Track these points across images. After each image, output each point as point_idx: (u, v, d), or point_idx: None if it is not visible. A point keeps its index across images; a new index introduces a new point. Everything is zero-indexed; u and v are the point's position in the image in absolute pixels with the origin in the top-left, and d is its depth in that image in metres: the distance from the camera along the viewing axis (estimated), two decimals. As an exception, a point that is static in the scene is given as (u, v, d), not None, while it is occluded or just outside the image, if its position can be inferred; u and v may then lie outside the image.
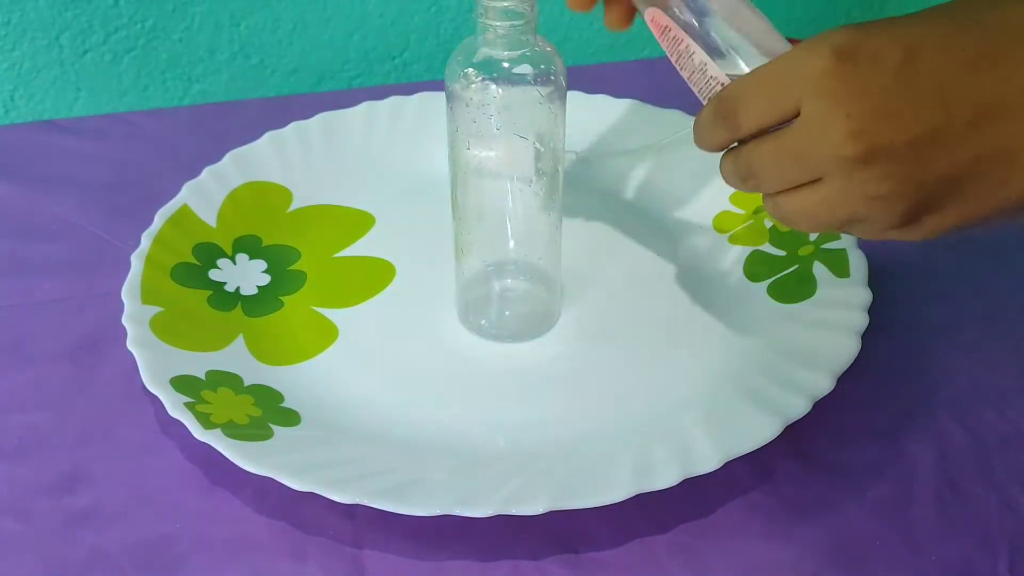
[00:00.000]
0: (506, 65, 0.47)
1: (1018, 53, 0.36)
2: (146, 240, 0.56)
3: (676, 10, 0.46)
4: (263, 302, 0.56)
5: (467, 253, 0.54)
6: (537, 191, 0.51)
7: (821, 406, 0.47)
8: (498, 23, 0.46)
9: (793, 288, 0.55)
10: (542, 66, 0.47)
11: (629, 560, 0.43)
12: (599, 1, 0.51)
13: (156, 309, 0.52)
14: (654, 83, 0.78)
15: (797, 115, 0.38)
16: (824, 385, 0.48)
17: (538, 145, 0.50)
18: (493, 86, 0.47)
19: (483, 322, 0.55)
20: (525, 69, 0.47)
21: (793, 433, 0.46)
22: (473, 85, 0.47)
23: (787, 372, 0.49)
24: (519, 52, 0.47)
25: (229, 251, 0.59)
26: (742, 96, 0.41)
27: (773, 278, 0.56)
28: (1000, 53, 0.36)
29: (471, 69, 0.47)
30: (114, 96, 0.80)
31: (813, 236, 0.57)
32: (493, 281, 0.55)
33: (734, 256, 0.59)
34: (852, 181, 0.37)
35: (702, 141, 0.45)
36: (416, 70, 0.85)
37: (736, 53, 0.45)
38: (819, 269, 0.55)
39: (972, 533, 0.44)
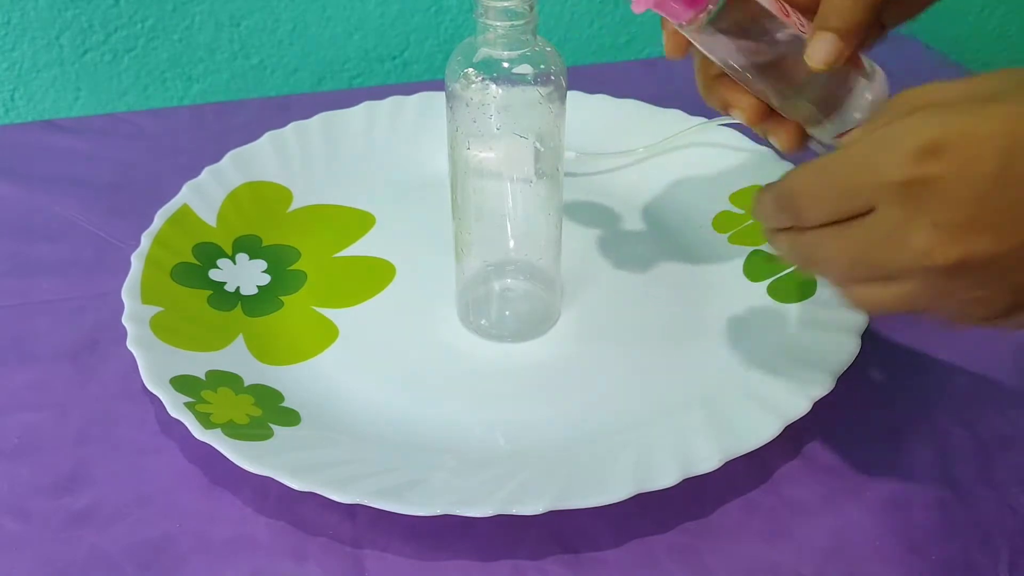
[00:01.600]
0: (506, 65, 0.47)
1: None
2: (146, 240, 0.56)
3: None
4: (263, 302, 0.56)
5: (467, 253, 0.54)
6: (537, 191, 0.51)
7: (821, 406, 0.47)
8: (498, 23, 0.46)
9: (793, 288, 0.55)
10: (542, 66, 0.47)
11: (629, 560, 0.43)
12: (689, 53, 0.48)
13: (156, 309, 0.52)
14: (654, 83, 0.78)
15: (870, 211, 0.35)
16: (824, 385, 0.48)
17: (538, 145, 0.50)
18: (493, 86, 0.47)
19: (483, 322, 0.55)
20: (525, 69, 0.47)
21: (793, 433, 0.46)
22: (473, 85, 0.47)
23: (787, 372, 0.49)
24: (519, 52, 0.47)
25: (229, 251, 0.59)
26: (807, 192, 0.37)
27: (773, 278, 0.56)
28: None
29: (471, 69, 0.47)
30: (114, 96, 0.80)
31: None
32: (493, 281, 0.55)
33: (734, 256, 0.59)
34: (939, 288, 0.35)
35: (760, 217, 0.41)
36: (416, 70, 0.85)
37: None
38: (819, 269, 0.55)
39: (972, 533, 0.44)
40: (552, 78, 0.48)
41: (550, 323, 0.55)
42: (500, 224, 0.53)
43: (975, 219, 0.33)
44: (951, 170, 0.33)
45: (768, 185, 0.40)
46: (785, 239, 0.39)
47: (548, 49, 0.48)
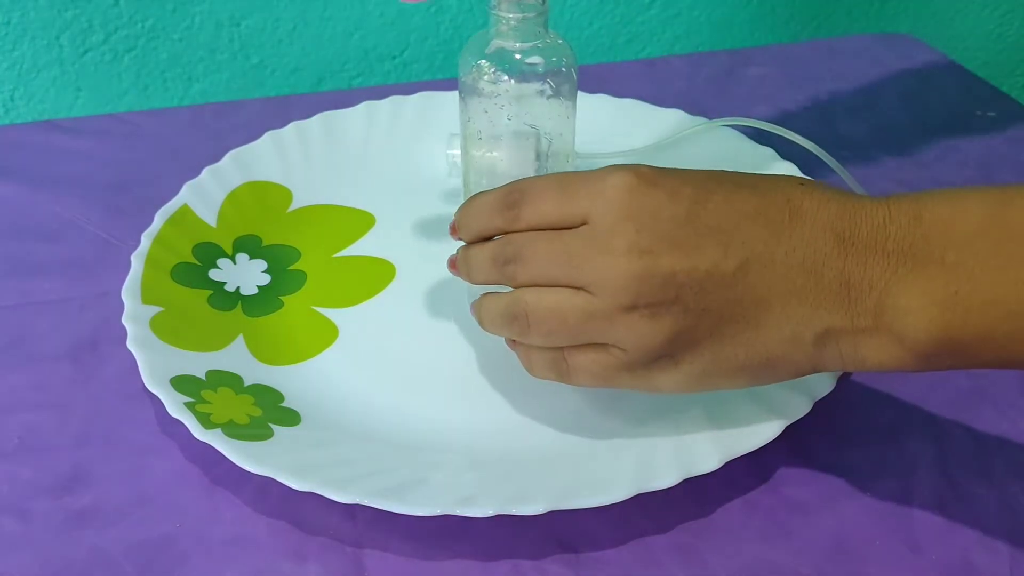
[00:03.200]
0: (518, 56, 0.47)
1: (782, 215, 0.40)
2: (146, 240, 0.56)
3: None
4: (263, 302, 0.56)
5: None
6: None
7: (821, 406, 0.47)
8: (511, 15, 0.46)
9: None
10: (554, 57, 0.48)
11: (629, 560, 0.43)
12: None
13: (156, 309, 0.52)
14: (654, 83, 0.78)
15: (580, 225, 0.41)
16: (824, 385, 0.48)
17: (549, 135, 0.50)
18: (505, 76, 0.47)
19: None
20: (537, 60, 0.47)
21: (793, 433, 0.46)
22: (486, 76, 0.47)
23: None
24: (531, 44, 0.47)
25: (229, 251, 0.59)
26: (534, 190, 0.43)
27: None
28: (771, 213, 0.40)
29: (484, 60, 0.47)
30: (114, 96, 0.80)
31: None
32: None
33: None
34: (620, 297, 0.40)
35: (468, 222, 0.45)
36: (416, 70, 0.85)
37: None
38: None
39: (972, 533, 0.44)
40: (564, 69, 0.48)
41: None
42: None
43: (667, 236, 0.39)
44: (660, 193, 0.40)
45: (486, 192, 0.45)
46: (496, 242, 0.44)
47: (560, 41, 0.48)
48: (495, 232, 0.44)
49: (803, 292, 0.39)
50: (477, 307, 0.46)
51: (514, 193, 0.43)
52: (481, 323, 0.46)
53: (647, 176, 0.41)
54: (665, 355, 0.41)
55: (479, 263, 0.44)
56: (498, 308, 0.44)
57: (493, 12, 0.46)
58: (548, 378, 0.45)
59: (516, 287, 0.43)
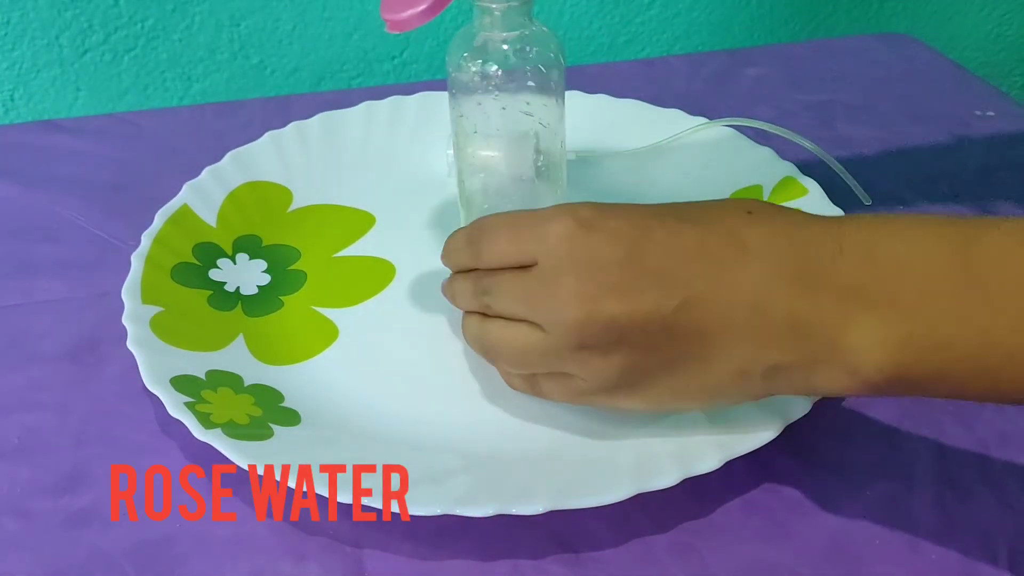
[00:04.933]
0: (505, 47, 0.47)
1: (726, 251, 0.40)
2: (146, 240, 0.56)
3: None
4: (263, 302, 0.56)
5: None
6: (541, 175, 0.52)
7: (821, 406, 0.47)
8: (495, 5, 0.46)
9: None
10: (538, 46, 0.48)
11: (629, 560, 0.43)
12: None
13: (156, 309, 0.52)
14: (654, 83, 0.78)
15: (534, 264, 0.42)
16: (824, 385, 0.48)
17: (541, 123, 0.50)
18: (493, 67, 0.47)
19: None
20: (527, 47, 0.47)
21: (793, 433, 0.46)
22: (473, 67, 0.47)
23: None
24: (516, 33, 0.47)
25: (229, 251, 0.59)
26: (491, 232, 0.44)
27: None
28: (715, 250, 0.40)
29: (469, 52, 0.47)
30: (114, 96, 0.80)
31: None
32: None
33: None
34: (569, 338, 0.41)
35: (447, 258, 0.48)
36: (416, 70, 0.85)
37: None
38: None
39: (972, 533, 0.44)
40: (552, 56, 0.48)
41: None
42: (507, 207, 0.53)
43: (606, 281, 0.40)
44: (598, 237, 0.40)
45: (461, 228, 0.47)
46: (469, 275, 0.46)
47: (544, 30, 0.48)
48: (467, 267, 0.46)
49: (749, 330, 0.39)
50: (463, 328, 0.48)
51: (474, 231, 0.45)
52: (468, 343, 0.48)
53: (587, 220, 0.41)
54: (623, 384, 0.42)
55: (461, 292, 0.47)
56: (472, 335, 0.47)
57: (478, 4, 0.46)
58: (525, 392, 0.47)
59: (491, 316, 0.45)
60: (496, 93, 0.48)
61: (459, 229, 0.48)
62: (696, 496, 0.45)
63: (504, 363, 0.46)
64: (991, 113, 0.75)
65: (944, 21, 0.95)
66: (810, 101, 0.77)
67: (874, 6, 0.93)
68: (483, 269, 0.45)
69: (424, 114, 0.69)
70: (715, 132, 0.66)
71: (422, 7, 0.45)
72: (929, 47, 0.85)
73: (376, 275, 0.58)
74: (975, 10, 0.95)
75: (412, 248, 0.60)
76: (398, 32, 0.46)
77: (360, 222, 0.62)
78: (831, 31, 0.93)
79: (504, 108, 0.49)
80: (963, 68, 0.82)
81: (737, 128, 0.66)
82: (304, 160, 0.65)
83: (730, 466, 0.44)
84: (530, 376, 0.46)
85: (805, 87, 0.78)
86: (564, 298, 0.40)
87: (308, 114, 0.67)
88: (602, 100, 0.69)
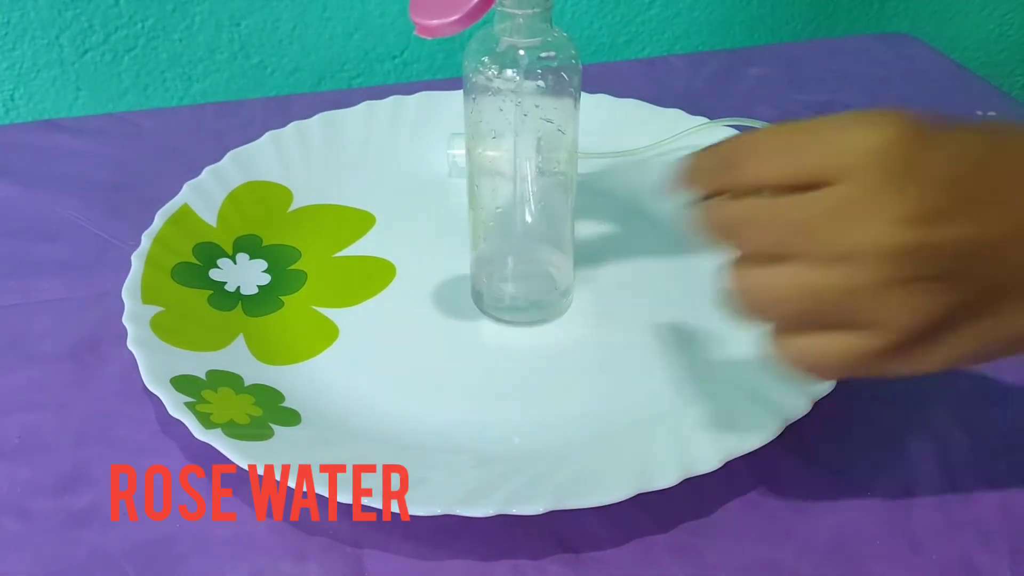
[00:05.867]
0: (523, 53, 0.47)
1: None
2: (146, 240, 0.56)
3: None
4: (263, 302, 0.56)
5: (483, 240, 0.54)
6: (554, 179, 0.52)
7: (821, 406, 0.47)
8: (517, 11, 0.46)
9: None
10: (559, 53, 0.48)
11: (629, 560, 0.43)
12: None
13: (156, 309, 0.52)
14: (655, 83, 0.78)
15: (815, 187, 0.34)
16: (824, 385, 0.48)
17: (560, 129, 0.50)
18: (511, 72, 0.47)
19: (494, 308, 0.55)
20: (550, 54, 0.48)
21: (793, 433, 0.46)
22: (493, 72, 0.47)
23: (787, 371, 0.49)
24: (537, 40, 0.47)
25: (229, 251, 0.59)
26: (761, 145, 0.36)
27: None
28: None
29: (489, 57, 0.48)
30: (114, 96, 0.80)
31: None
32: (507, 267, 0.56)
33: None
34: (882, 271, 0.33)
35: (692, 175, 0.38)
36: (416, 70, 0.85)
37: None
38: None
39: (972, 533, 0.44)
40: (573, 63, 0.49)
41: (555, 313, 0.55)
42: (516, 212, 0.53)
43: (945, 200, 0.33)
44: (935, 148, 0.33)
45: (710, 145, 0.38)
46: (713, 205, 0.37)
47: (563, 35, 0.48)
48: (719, 190, 0.37)
49: None
50: (732, 279, 0.37)
51: (737, 148, 0.37)
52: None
53: (917, 127, 0.33)
54: (934, 331, 0.34)
55: (705, 222, 0.38)
56: (751, 283, 0.36)
57: (499, 9, 0.47)
58: (792, 362, 0.37)
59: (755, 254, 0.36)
60: (516, 98, 0.48)
61: (712, 145, 0.38)
62: (696, 496, 0.45)
63: (779, 310, 0.36)
64: (992, 113, 0.75)
65: (945, 21, 0.95)
66: (811, 101, 0.77)
67: (875, 6, 0.93)
68: (733, 198, 0.36)
69: (424, 114, 0.69)
70: (715, 132, 0.66)
71: (454, 17, 0.44)
72: (930, 47, 0.85)
73: (376, 275, 0.58)
74: (976, 10, 0.95)
75: (412, 248, 0.60)
76: (427, 38, 0.45)
77: (360, 222, 0.62)
78: (832, 31, 0.93)
79: (525, 114, 0.49)
80: (964, 68, 0.82)
81: (738, 128, 0.66)
82: (304, 160, 0.65)
83: (730, 466, 0.44)
84: (798, 340, 0.36)
85: (806, 87, 0.78)
86: (885, 220, 0.32)
87: (308, 114, 0.67)
88: (603, 100, 0.69)
